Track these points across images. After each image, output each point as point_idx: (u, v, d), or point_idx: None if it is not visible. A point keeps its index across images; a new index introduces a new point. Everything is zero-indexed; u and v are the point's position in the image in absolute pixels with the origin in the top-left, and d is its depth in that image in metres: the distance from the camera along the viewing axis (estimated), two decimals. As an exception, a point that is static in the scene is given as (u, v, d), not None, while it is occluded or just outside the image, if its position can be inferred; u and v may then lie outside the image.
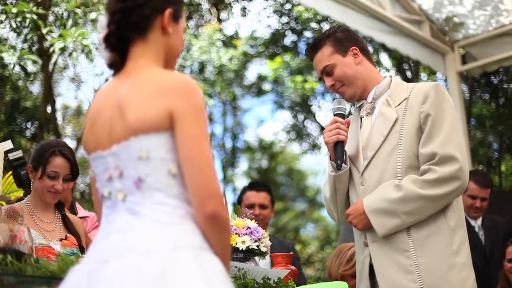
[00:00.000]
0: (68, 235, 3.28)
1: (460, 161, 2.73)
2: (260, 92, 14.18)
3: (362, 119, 2.99)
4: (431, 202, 2.72)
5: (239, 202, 4.99)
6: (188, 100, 1.74)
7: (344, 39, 3.02)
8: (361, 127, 2.98)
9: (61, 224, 3.33)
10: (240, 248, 3.01)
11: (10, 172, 4.98)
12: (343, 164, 2.88)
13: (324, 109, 13.86)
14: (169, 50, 1.93)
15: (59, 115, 12.88)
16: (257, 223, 3.17)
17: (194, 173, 1.71)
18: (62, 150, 3.31)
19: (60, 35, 7.16)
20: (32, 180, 3.33)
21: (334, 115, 2.98)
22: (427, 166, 2.74)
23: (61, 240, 3.22)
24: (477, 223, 5.02)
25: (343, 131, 2.89)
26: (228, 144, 15.48)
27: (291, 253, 3.40)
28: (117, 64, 1.89)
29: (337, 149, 2.88)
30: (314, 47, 3.06)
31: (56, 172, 3.26)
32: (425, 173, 2.74)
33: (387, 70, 12.12)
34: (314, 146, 13.94)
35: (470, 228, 4.81)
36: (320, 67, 3.03)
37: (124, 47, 1.88)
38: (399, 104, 2.88)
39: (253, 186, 5.10)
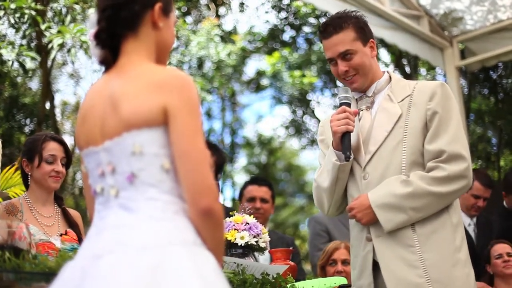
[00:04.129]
0: (68, 230, 3.29)
1: (467, 160, 2.74)
2: (258, 88, 14.19)
3: (361, 112, 2.96)
4: (439, 199, 2.72)
5: (240, 196, 5.05)
6: (183, 96, 1.74)
7: (366, 28, 2.96)
8: (359, 120, 2.95)
9: (60, 219, 3.35)
10: (239, 244, 3.01)
11: (8, 168, 5.00)
12: (350, 155, 2.86)
13: (323, 104, 13.88)
14: (161, 44, 1.93)
15: (58, 111, 12.89)
16: (257, 217, 3.17)
17: (189, 169, 1.71)
18: (52, 136, 3.41)
19: (59, 31, 7.16)
20: (29, 173, 3.34)
21: (341, 103, 2.91)
22: (434, 164, 2.73)
23: (61, 235, 3.23)
24: (472, 221, 5.03)
25: (351, 122, 2.83)
26: (227, 139, 15.52)
27: (290, 248, 3.40)
28: (109, 60, 1.89)
29: (345, 140, 2.83)
30: (337, 26, 2.90)
31: (53, 155, 3.32)
32: (432, 170, 2.73)
33: (386, 65, 12.12)
34: (313, 142, 13.94)
35: None
36: (341, 49, 2.89)
37: (115, 43, 1.88)
38: (402, 100, 2.86)
39: (254, 180, 5.16)
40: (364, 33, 2.93)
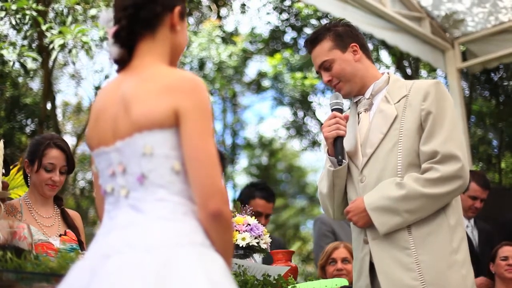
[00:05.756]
0: (67, 230, 3.29)
1: (462, 160, 2.72)
2: (260, 89, 14.18)
3: (360, 115, 2.97)
4: (433, 200, 2.71)
5: (244, 200, 4.77)
6: (194, 98, 1.75)
7: (344, 34, 2.98)
8: (358, 123, 2.96)
9: (60, 219, 3.34)
10: (240, 245, 3.01)
11: (11, 167, 4.98)
12: (343, 160, 2.87)
13: (324, 106, 13.86)
14: (175, 47, 1.94)
15: (59, 112, 12.90)
16: None
17: (198, 171, 1.72)
18: (57, 142, 3.35)
19: (60, 32, 7.17)
20: (29, 175, 3.33)
21: (332, 110, 2.94)
22: (428, 165, 2.72)
23: (60, 235, 3.22)
24: (470, 223, 5.03)
25: (342, 126, 2.86)
26: (228, 140, 15.51)
27: (292, 250, 3.41)
28: (125, 60, 1.89)
29: (337, 145, 2.85)
30: (313, 40, 3.00)
31: (52, 164, 3.28)
32: (426, 171, 2.72)
33: (387, 67, 12.12)
34: (314, 143, 13.94)
35: None
36: (318, 62, 2.98)
37: (132, 43, 1.88)
38: (398, 101, 2.86)
39: (264, 194, 4.91)
40: (342, 40, 2.96)
